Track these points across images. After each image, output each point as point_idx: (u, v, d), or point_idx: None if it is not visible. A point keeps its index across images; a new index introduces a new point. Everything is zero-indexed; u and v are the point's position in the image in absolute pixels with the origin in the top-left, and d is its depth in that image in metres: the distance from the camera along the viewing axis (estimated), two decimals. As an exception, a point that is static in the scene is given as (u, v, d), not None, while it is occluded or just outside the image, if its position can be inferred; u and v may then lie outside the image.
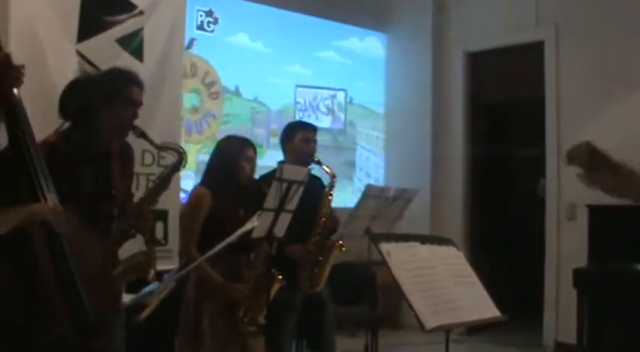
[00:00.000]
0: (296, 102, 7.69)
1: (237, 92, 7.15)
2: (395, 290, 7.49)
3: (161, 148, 3.49)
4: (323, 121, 7.80)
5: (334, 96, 8.04)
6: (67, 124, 3.25)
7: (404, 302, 8.06)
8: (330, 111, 8.02)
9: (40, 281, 2.19)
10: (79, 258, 2.25)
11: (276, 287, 3.90)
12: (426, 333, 3.01)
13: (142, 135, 3.28)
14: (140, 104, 3.33)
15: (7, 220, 2.13)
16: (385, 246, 2.96)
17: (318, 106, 7.90)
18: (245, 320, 3.85)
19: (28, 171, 2.31)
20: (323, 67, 7.93)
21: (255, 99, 7.31)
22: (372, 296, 5.39)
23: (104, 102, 3.21)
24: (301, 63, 7.73)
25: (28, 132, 2.36)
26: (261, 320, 3.85)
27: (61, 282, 2.19)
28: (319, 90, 7.91)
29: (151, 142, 3.33)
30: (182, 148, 3.47)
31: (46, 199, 2.35)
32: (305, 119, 7.24)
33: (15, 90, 2.42)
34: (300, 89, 7.72)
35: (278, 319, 4.13)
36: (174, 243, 4.66)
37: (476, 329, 6.98)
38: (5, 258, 2.09)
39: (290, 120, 6.34)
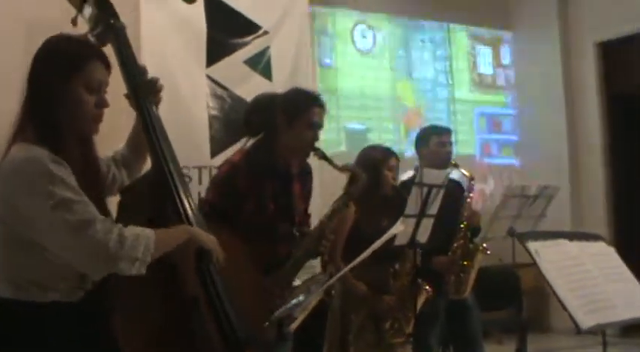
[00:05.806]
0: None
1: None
2: (540, 293, 7.31)
3: (342, 170, 3.39)
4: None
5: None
6: (249, 143, 3.35)
7: (551, 305, 7.81)
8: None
9: (188, 306, 2.19)
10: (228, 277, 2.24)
11: (422, 298, 3.83)
12: (580, 335, 2.87)
13: (323, 156, 3.28)
14: (321, 126, 3.32)
15: (168, 239, 2.08)
16: (533, 245, 2.85)
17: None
18: (392, 331, 3.82)
19: (172, 197, 2.25)
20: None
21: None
22: (518, 300, 5.24)
23: (284, 122, 3.25)
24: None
25: (170, 154, 2.32)
26: (408, 330, 3.81)
27: (211, 307, 2.20)
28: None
29: (332, 164, 3.32)
30: (359, 170, 3.41)
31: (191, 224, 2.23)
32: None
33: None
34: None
35: (423, 328, 4.05)
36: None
37: (631, 329, 6.62)
38: (152, 279, 2.05)
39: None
